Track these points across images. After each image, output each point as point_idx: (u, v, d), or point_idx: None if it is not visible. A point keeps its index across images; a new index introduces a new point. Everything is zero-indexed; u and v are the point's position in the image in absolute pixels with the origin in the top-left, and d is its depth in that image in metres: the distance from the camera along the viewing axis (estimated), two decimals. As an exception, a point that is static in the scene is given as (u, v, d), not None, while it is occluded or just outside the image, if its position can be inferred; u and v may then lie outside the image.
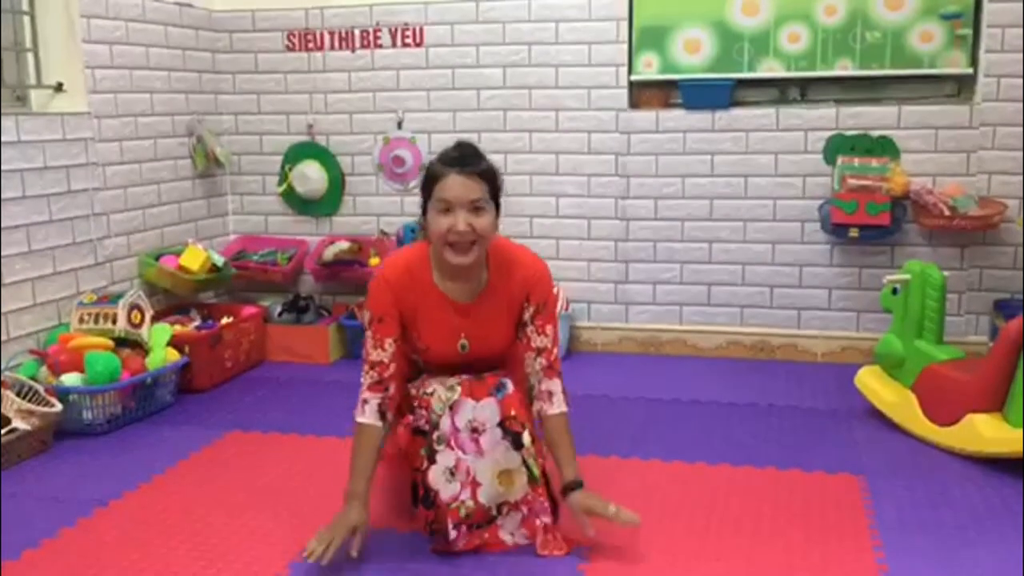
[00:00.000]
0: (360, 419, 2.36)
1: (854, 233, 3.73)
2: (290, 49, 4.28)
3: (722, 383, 3.71)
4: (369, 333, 2.38)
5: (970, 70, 3.70)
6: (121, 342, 3.38)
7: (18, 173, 3.29)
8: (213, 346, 3.72)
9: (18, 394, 3.02)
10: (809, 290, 3.96)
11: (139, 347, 3.44)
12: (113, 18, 3.69)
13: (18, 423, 2.93)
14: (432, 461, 2.31)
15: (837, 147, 3.80)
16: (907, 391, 3.12)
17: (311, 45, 4.25)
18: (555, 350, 2.45)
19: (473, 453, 2.31)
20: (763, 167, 3.92)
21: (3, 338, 3.25)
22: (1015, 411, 2.74)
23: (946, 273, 3.17)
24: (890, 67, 3.76)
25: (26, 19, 3.52)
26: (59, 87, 3.55)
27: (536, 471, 2.34)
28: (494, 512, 2.34)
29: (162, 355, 3.45)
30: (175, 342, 3.55)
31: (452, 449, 2.30)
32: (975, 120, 3.69)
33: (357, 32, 4.18)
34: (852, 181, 3.69)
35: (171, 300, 4.01)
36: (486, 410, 2.32)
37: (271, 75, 4.33)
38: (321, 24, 4.22)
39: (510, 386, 2.36)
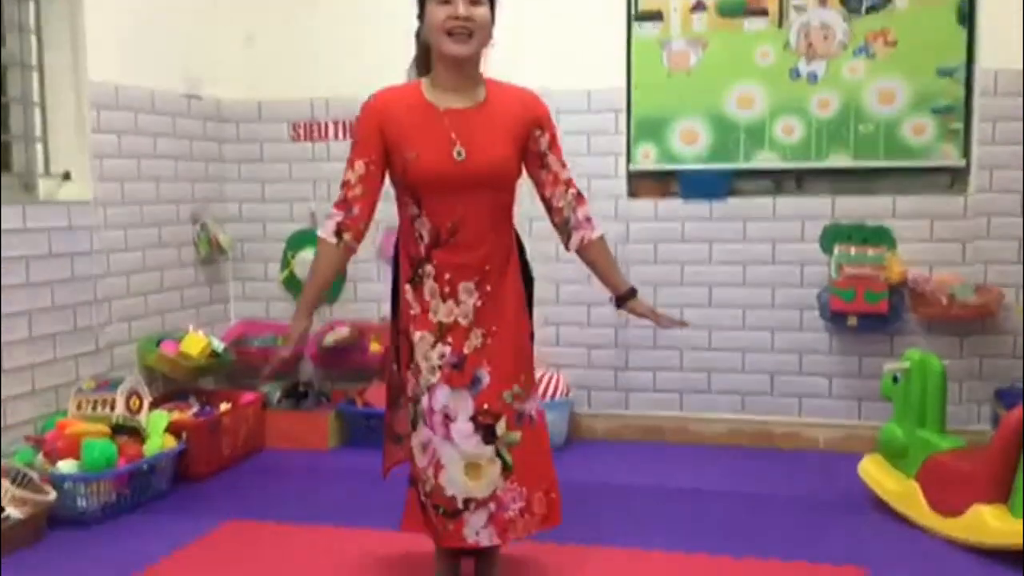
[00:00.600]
0: (320, 233, 2.41)
1: (853, 321, 3.75)
2: (295, 139, 4.37)
3: (724, 472, 3.67)
4: (348, 156, 2.40)
5: (963, 162, 3.77)
6: (119, 429, 3.36)
7: (23, 260, 3.32)
8: (211, 433, 3.70)
9: (13, 481, 2.99)
10: (810, 378, 3.95)
11: (136, 434, 3.42)
12: (123, 109, 3.77)
13: (12, 511, 2.89)
14: (414, 429, 2.40)
15: (833, 236, 3.84)
16: (911, 481, 3.09)
17: (315, 135, 4.34)
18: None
19: (442, 436, 2.35)
20: (761, 255, 3.96)
21: (1, 425, 3.23)
22: (1020, 502, 2.71)
23: (946, 362, 3.17)
24: (884, 159, 3.84)
25: (37, 110, 3.59)
26: (67, 176, 3.61)
27: (509, 459, 2.36)
28: (460, 506, 2.35)
29: (159, 442, 3.42)
30: (173, 429, 3.53)
31: (426, 427, 2.36)
32: (970, 210, 3.74)
33: (361, 123, 4.26)
34: (849, 270, 3.72)
35: (170, 386, 4.00)
36: (460, 401, 2.35)
37: (276, 164, 4.40)
38: (326, 115, 4.31)
39: (486, 380, 2.35)
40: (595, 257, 2.50)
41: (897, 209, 3.82)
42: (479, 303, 2.36)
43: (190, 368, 3.87)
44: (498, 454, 2.35)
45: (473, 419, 2.34)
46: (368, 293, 4.34)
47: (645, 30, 4.00)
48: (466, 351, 2.36)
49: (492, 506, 2.36)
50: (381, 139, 2.34)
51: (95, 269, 3.64)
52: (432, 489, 2.36)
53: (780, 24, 3.87)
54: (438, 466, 2.35)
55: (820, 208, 3.88)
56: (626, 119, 4.04)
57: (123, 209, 3.79)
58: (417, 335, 2.37)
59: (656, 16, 3.98)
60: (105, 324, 3.71)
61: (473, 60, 2.35)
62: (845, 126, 3.86)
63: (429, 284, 2.36)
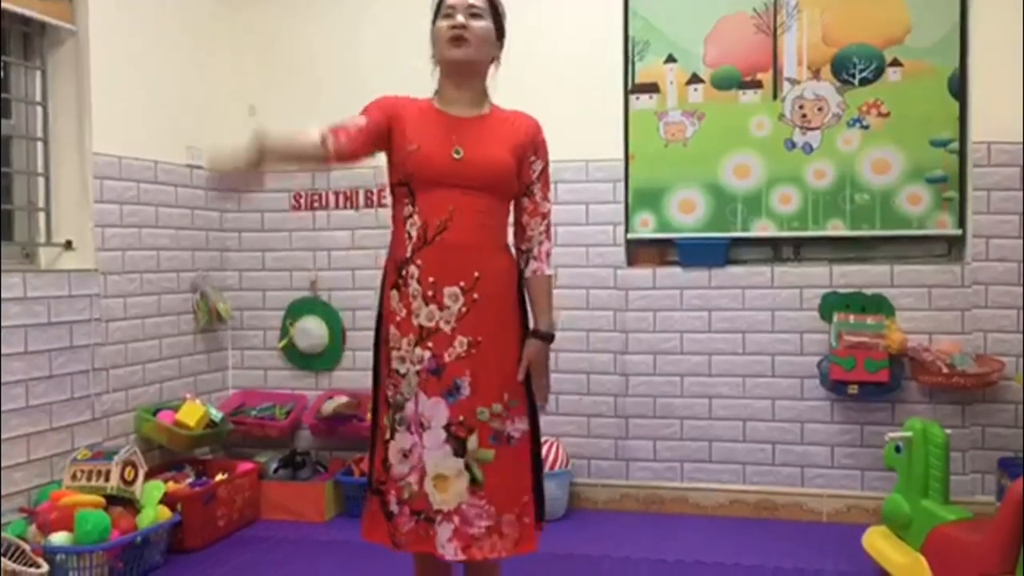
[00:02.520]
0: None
1: (853, 390, 3.73)
2: (295, 208, 4.40)
3: (726, 543, 3.62)
4: None
5: (959, 231, 3.80)
6: (113, 499, 3.32)
7: (22, 329, 3.32)
8: (206, 504, 3.65)
9: (4, 554, 2.94)
10: (811, 447, 3.92)
11: (131, 505, 3.37)
12: (125, 179, 3.81)
13: (2, 586, 2.84)
14: (393, 436, 2.39)
15: (832, 305, 3.85)
16: (916, 553, 3.04)
17: (316, 204, 4.38)
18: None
19: (418, 444, 2.35)
20: (760, 323, 3.96)
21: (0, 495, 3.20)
22: (1028, 576, 2.66)
23: (948, 431, 3.15)
24: (880, 228, 3.87)
25: (41, 180, 3.63)
26: (68, 245, 3.63)
27: (480, 475, 2.33)
28: (433, 515, 2.35)
29: (153, 513, 3.38)
30: (168, 500, 3.49)
31: (411, 433, 2.35)
32: (967, 279, 3.76)
33: (361, 192, 4.31)
34: (849, 338, 3.72)
35: (167, 456, 3.97)
36: (435, 408, 2.34)
37: (276, 233, 4.43)
38: (327, 185, 4.35)
39: (465, 392, 2.33)
40: (539, 290, 2.51)
41: (895, 277, 3.83)
42: (464, 309, 2.35)
43: (187, 438, 3.84)
44: (467, 468, 2.34)
45: (446, 428, 2.34)
46: (366, 362, 4.29)
47: (642, 102, 4.06)
48: (447, 358, 2.34)
49: (456, 520, 2.33)
50: (387, 121, 2.41)
51: (94, 338, 3.64)
52: (412, 495, 2.36)
53: (775, 96, 3.94)
54: (423, 472, 2.35)
55: (818, 276, 3.90)
56: (624, 189, 4.09)
57: (123, 278, 3.81)
58: (403, 340, 2.37)
59: (652, 88, 4.05)
60: (102, 393, 3.69)
61: (474, 70, 2.44)
62: (841, 195, 3.89)
63: (413, 286, 2.36)
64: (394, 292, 2.40)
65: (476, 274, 2.35)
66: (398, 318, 2.38)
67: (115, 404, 3.76)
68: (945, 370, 3.58)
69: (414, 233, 2.36)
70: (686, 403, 4.03)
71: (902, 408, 3.80)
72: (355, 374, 4.34)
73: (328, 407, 4.14)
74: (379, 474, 2.43)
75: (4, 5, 3.30)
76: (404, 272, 2.37)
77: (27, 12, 3.41)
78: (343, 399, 4.15)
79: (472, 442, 2.34)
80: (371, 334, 4.30)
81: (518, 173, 2.45)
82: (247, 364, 4.50)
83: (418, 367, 2.35)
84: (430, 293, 2.34)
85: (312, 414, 4.21)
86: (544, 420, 3.96)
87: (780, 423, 3.95)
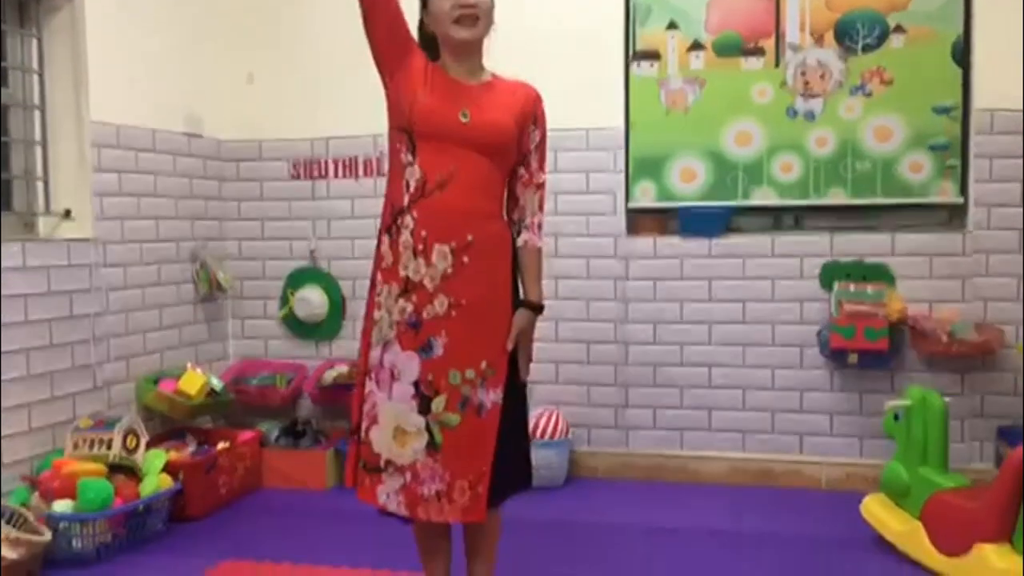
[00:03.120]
0: None
1: (853, 358, 3.73)
2: (295, 177, 4.39)
3: (726, 511, 3.64)
4: None
5: (960, 199, 3.78)
6: (115, 468, 3.34)
7: (22, 298, 3.32)
8: (208, 472, 3.67)
9: (8, 522, 2.96)
10: (811, 415, 3.93)
11: (133, 473, 3.39)
12: (124, 148, 3.80)
13: (7, 552, 2.86)
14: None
15: (833, 273, 3.84)
16: (914, 520, 3.06)
17: (316, 173, 4.36)
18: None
19: (385, 393, 2.36)
20: (760, 292, 3.95)
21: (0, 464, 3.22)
22: (1023, 541, 2.68)
23: (947, 399, 3.16)
24: (882, 196, 3.85)
25: (38, 149, 3.61)
26: (67, 214, 3.62)
27: (439, 439, 2.33)
28: (381, 465, 2.36)
29: (155, 482, 3.40)
30: (169, 468, 3.50)
31: (371, 380, 2.38)
32: (968, 247, 3.75)
33: (361, 160, 4.29)
34: (849, 307, 3.71)
35: (168, 425, 3.98)
36: (408, 362, 2.34)
37: (276, 202, 4.42)
38: (326, 153, 4.34)
39: (438, 351, 2.33)
40: (529, 261, 2.49)
41: (896, 246, 3.82)
42: (450, 270, 2.33)
43: (188, 407, 3.85)
44: (428, 428, 2.33)
45: (415, 384, 2.33)
46: (367, 331, 4.33)
47: (643, 70, 4.03)
48: (425, 316, 2.33)
49: (408, 475, 2.34)
50: (406, 41, 2.39)
51: (94, 307, 3.64)
52: (360, 441, 2.39)
53: (777, 63, 3.91)
54: (372, 420, 2.37)
55: (819, 245, 3.89)
56: (624, 157, 4.07)
57: (123, 247, 3.80)
58: (384, 288, 2.37)
59: (653, 56, 4.02)
60: (103, 362, 3.69)
61: (478, 45, 2.42)
62: (843, 164, 3.87)
63: (405, 236, 2.35)
64: (386, 237, 2.39)
65: (469, 237, 2.34)
66: (384, 264, 2.39)
67: (116, 373, 3.77)
68: (945, 339, 3.58)
69: (412, 184, 2.35)
70: (686, 372, 4.04)
71: (901, 376, 3.81)
72: (355, 343, 4.27)
73: (329, 376, 4.15)
74: (358, 420, 2.43)
75: (-2, -29, 3.27)
76: (399, 220, 2.36)
77: (22, -22, 3.38)
78: (344, 368, 4.15)
79: (438, 403, 2.33)
80: (371, 303, 4.32)
81: (518, 141, 2.44)
82: (247, 333, 4.50)
83: (397, 317, 2.35)
84: (420, 247, 2.33)
85: (313, 383, 4.22)
86: (544, 389, 4.01)
87: (780, 391, 3.96)
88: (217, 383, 4.01)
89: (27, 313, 3.35)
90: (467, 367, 2.34)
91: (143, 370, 3.92)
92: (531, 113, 2.46)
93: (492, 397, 2.36)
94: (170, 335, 4.10)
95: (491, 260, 2.39)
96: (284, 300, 4.40)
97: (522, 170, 2.48)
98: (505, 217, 2.49)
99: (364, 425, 2.38)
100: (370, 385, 2.38)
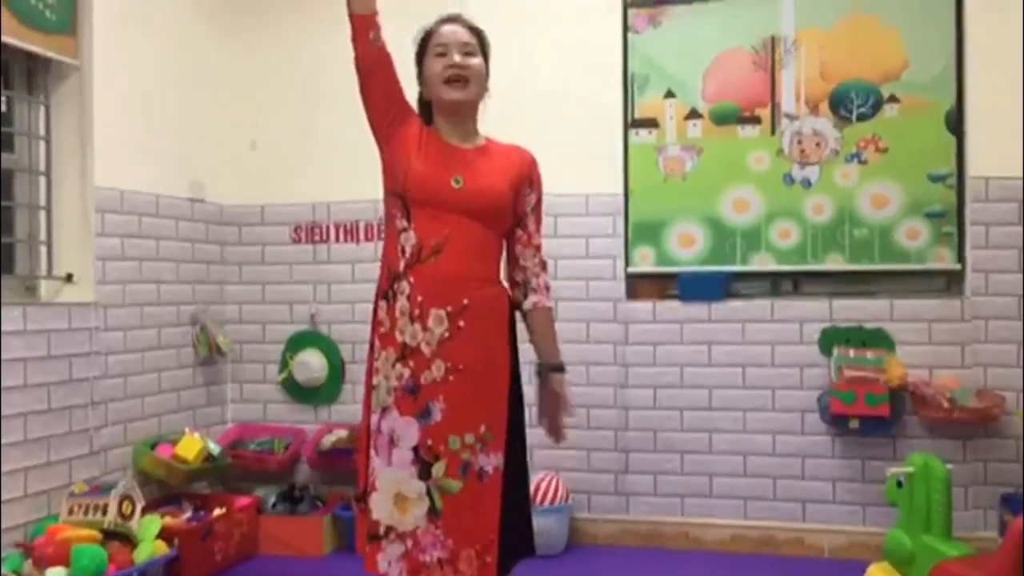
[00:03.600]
0: None
1: (854, 424, 3.72)
2: (296, 241, 4.42)
3: (727, 580, 3.60)
4: None
5: (958, 266, 3.81)
6: (110, 534, 3.30)
7: (21, 362, 3.32)
8: (204, 538, 3.63)
9: (-1, 590, 2.92)
10: (812, 482, 3.90)
11: (128, 539, 3.35)
12: (127, 212, 3.83)
13: (-4, 622, 2.82)
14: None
15: (832, 339, 3.85)
16: (919, 591, 3.02)
17: (317, 238, 4.39)
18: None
19: (384, 459, 2.34)
20: (760, 357, 3.95)
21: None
22: (1032, 613, 2.64)
23: (949, 466, 3.14)
24: (879, 262, 3.87)
25: (42, 213, 3.64)
26: (69, 278, 3.64)
27: (440, 504, 2.30)
28: (381, 532, 2.32)
29: (150, 548, 3.35)
30: (165, 534, 3.46)
31: (372, 446, 2.36)
32: (967, 313, 3.76)
33: (362, 225, 4.33)
34: (849, 372, 3.71)
35: (164, 490, 3.94)
36: (407, 428, 2.32)
37: (277, 266, 4.44)
38: (327, 218, 4.37)
39: (436, 417, 2.31)
40: (541, 323, 2.52)
41: (895, 312, 3.83)
42: (447, 335, 2.33)
43: (185, 472, 3.82)
44: (428, 494, 2.31)
45: (414, 449, 2.32)
46: (366, 395, 4.32)
47: (641, 137, 4.09)
48: (423, 381, 2.33)
49: (409, 542, 2.31)
50: (400, 104, 2.44)
51: (93, 371, 3.64)
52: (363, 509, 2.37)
53: (773, 132, 3.96)
54: (372, 487, 2.35)
55: (818, 311, 3.90)
56: (624, 222, 4.10)
57: (124, 311, 3.81)
58: (382, 353, 2.37)
59: (651, 123, 4.08)
60: (100, 427, 3.68)
61: (471, 109, 2.46)
62: (840, 230, 3.91)
63: (401, 302, 2.35)
64: (383, 303, 2.41)
65: (465, 301, 2.35)
66: (382, 330, 2.39)
67: (113, 438, 3.75)
68: (946, 405, 3.57)
69: (408, 249, 2.36)
70: (686, 437, 4.02)
71: (903, 443, 3.79)
72: (354, 408, 4.32)
73: (327, 441, 4.13)
74: (364, 485, 2.42)
75: (10, 41, 3.32)
76: (395, 286, 2.37)
77: (32, 47, 3.44)
78: (342, 432, 4.13)
79: (438, 469, 2.31)
80: (371, 367, 4.32)
81: (513, 205, 2.46)
82: (246, 397, 4.49)
83: (395, 383, 2.35)
84: (416, 312, 2.34)
85: (311, 448, 4.20)
86: (544, 454, 3.98)
87: (781, 457, 3.93)
88: (215, 448, 3.99)
89: (26, 377, 3.34)
90: (466, 432, 2.33)
91: (140, 435, 3.89)
92: (527, 176, 2.50)
93: (493, 462, 2.35)
94: (168, 399, 4.08)
95: (487, 323, 2.40)
96: (283, 364, 4.40)
97: (519, 231, 2.51)
98: (502, 281, 2.50)
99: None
100: (371, 452, 2.37)
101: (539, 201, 2.54)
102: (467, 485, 2.32)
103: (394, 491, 2.33)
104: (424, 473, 2.32)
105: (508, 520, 2.36)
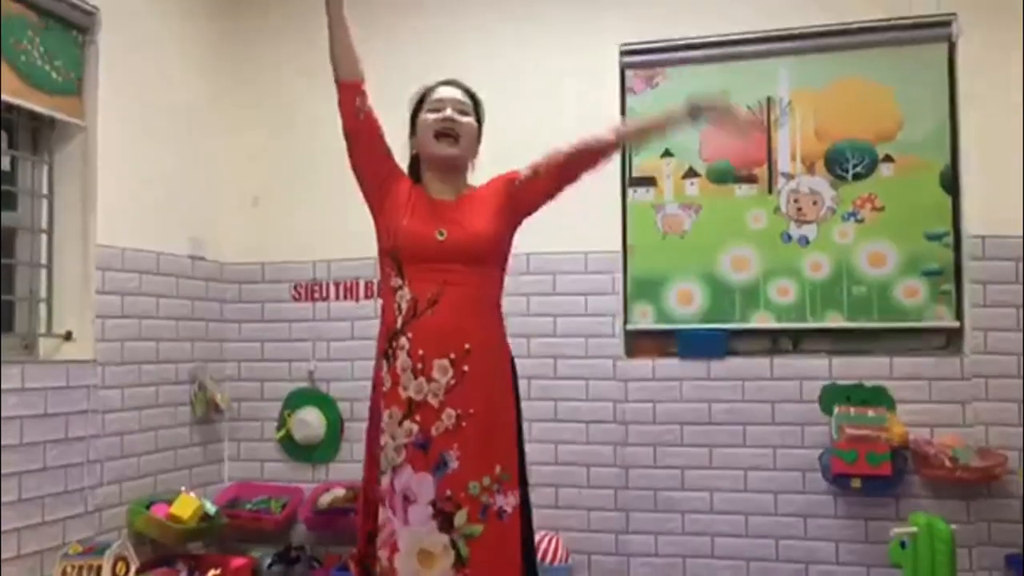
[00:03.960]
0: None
1: (856, 483, 3.69)
2: (296, 299, 4.43)
3: (730, 644, 3.53)
4: None
5: (957, 324, 3.81)
6: (103, 597, 3.25)
7: (18, 420, 3.30)
8: (198, 601, 3.58)
9: (-11, 655, 2.87)
10: (815, 542, 3.85)
11: (121, 602, 3.30)
12: (128, 270, 3.84)
13: None
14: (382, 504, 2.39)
15: (832, 397, 3.83)
16: (925, 655, 2.97)
17: (316, 295, 4.40)
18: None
19: (401, 519, 2.30)
20: (761, 415, 3.93)
21: (-16, 592, 3.14)
22: None
23: (953, 526, 3.12)
24: (878, 320, 3.88)
25: (43, 271, 3.65)
26: (68, 336, 3.63)
27: (465, 552, 2.28)
28: None
29: (144, 611, 3.30)
30: (159, 597, 3.42)
31: (385, 507, 2.32)
32: (967, 372, 3.75)
33: (362, 283, 4.34)
34: (850, 431, 3.69)
35: (160, 550, 3.89)
36: (422, 484, 2.30)
37: (276, 324, 4.44)
38: (327, 276, 4.39)
39: (453, 466, 2.30)
40: (630, 131, 2.63)
41: (894, 369, 3.83)
42: (453, 382, 2.34)
43: (180, 531, 3.78)
44: (453, 544, 2.29)
45: (432, 504, 2.30)
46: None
47: (639, 195, 4.13)
48: (434, 432, 2.32)
49: None
50: (389, 166, 2.49)
51: (90, 430, 3.61)
52: (383, 571, 2.32)
53: (770, 190, 4.00)
54: (393, 548, 2.31)
55: (818, 368, 3.89)
56: (623, 280, 4.11)
57: (122, 369, 3.80)
58: (387, 413, 2.35)
59: (649, 182, 4.12)
60: (96, 486, 3.64)
61: (460, 166, 2.51)
62: (838, 288, 3.92)
63: (402, 358, 2.36)
64: (383, 362, 2.42)
65: (467, 346, 2.36)
66: (384, 389, 2.40)
67: (108, 497, 3.71)
68: (948, 464, 3.55)
69: (404, 306, 2.39)
70: (687, 496, 3.98)
71: (906, 502, 3.75)
72: (353, 466, 4.29)
73: (324, 500, 4.09)
74: (363, 547, 2.40)
75: (16, 102, 3.37)
76: (394, 343, 2.38)
77: (38, 108, 3.48)
78: (340, 492, 4.09)
79: (460, 517, 2.31)
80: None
81: (506, 231, 2.50)
82: (243, 456, 4.45)
83: (404, 440, 2.34)
84: (419, 366, 2.35)
85: (308, 507, 4.15)
86: (544, 513, 3.94)
87: (783, 517, 3.89)
88: (211, 507, 3.95)
89: (22, 436, 3.32)
90: (484, 475, 2.34)
91: (136, 494, 3.86)
92: (505, 183, 2.53)
93: (511, 501, 2.37)
94: (165, 458, 4.05)
95: (492, 365, 2.42)
96: (282, 422, 4.37)
97: (536, 179, 2.51)
98: (503, 319, 2.52)
99: (385, 555, 2.33)
100: (386, 513, 2.35)
101: (524, 176, 2.54)
102: (488, 527, 2.32)
103: (417, 548, 2.31)
104: (446, 525, 2.31)
105: (527, 560, 2.39)
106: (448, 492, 2.31)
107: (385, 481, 2.35)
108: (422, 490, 2.32)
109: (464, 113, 2.50)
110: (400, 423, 2.35)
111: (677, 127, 2.61)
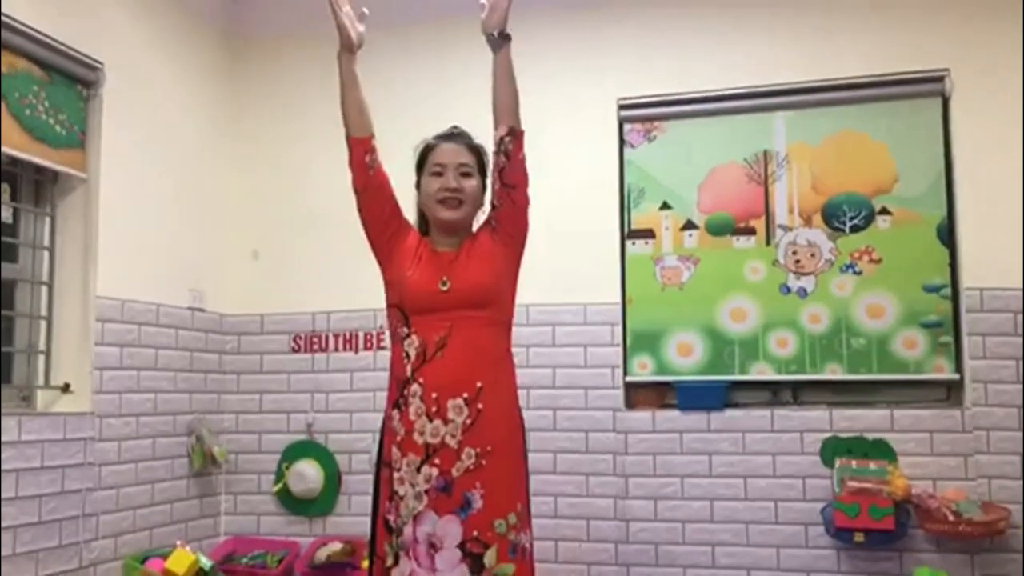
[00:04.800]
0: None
1: (859, 538, 3.65)
2: (295, 350, 4.42)
3: None
4: None
5: (957, 376, 3.80)
6: (96, 654, 3.20)
7: (14, 473, 3.27)
8: (192, 658, 3.52)
9: None
10: (818, 598, 3.81)
11: (114, 660, 3.25)
12: (127, 322, 3.84)
13: None
14: (396, 562, 2.34)
15: (834, 449, 3.81)
16: None
17: (316, 347, 4.39)
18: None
19: (427, 568, 2.26)
20: (761, 468, 3.91)
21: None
22: None
23: (958, 582, 3.07)
24: (878, 372, 3.87)
25: (42, 323, 3.65)
26: (66, 388, 3.62)
27: None
28: None
29: (137, 669, 3.25)
30: (153, 654, 3.36)
31: (409, 559, 2.28)
32: (968, 424, 3.74)
33: (361, 334, 4.34)
34: (853, 484, 3.66)
35: (153, 606, 3.84)
36: (448, 527, 2.27)
37: (275, 375, 4.43)
38: (327, 327, 4.39)
39: (478, 505, 2.28)
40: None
41: (895, 422, 3.81)
42: (470, 421, 2.33)
43: (175, 587, 3.73)
44: None
45: (461, 546, 2.27)
46: (362, 507, 4.24)
47: (638, 247, 4.14)
48: (455, 473, 2.31)
49: None
50: (398, 219, 2.54)
51: (86, 483, 3.58)
52: None
53: (768, 242, 4.02)
54: None
55: (818, 420, 3.88)
56: (622, 331, 4.11)
57: (119, 421, 3.77)
58: (403, 461, 2.34)
59: (648, 234, 4.14)
60: (91, 540, 3.60)
61: (465, 224, 2.54)
62: (838, 339, 3.92)
63: (415, 404, 2.35)
64: (395, 411, 2.42)
65: (479, 384, 2.37)
66: (398, 438, 2.38)
67: (103, 551, 3.67)
68: (951, 518, 3.52)
69: (413, 353, 2.40)
70: (689, 551, 3.94)
71: (910, 557, 3.71)
72: (350, 519, 4.25)
73: (322, 554, 4.04)
74: None
75: (20, 155, 3.40)
76: (406, 391, 2.39)
77: (42, 162, 3.51)
78: (337, 546, 4.05)
79: (490, 557, 2.28)
80: (368, 478, 4.26)
81: (505, 272, 2.52)
82: (240, 509, 4.41)
83: (424, 487, 2.32)
84: (434, 409, 2.35)
85: (305, 562, 4.10)
86: (543, 568, 3.89)
87: (785, 572, 3.84)
88: (206, 562, 3.89)
89: (18, 489, 3.29)
90: (507, 512, 2.33)
91: (131, 548, 3.81)
92: (487, 225, 2.56)
93: (530, 537, 2.39)
94: (161, 511, 4.01)
95: (504, 401, 2.43)
96: (279, 475, 4.34)
97: (507, 192, 2.50)
98: (510, 357, 2.52)
99: None
100: (409, 565, 2.31)
101: (492, 206, 2.56)
102: (519, 566, 2.31)
103: None
104: (476, 567, 2.29)
105: None
106: (475, 532, 2.29)
107: (408, 531, 2.33)
108: (449, 534, 2.29)
109: (467, 175, 2.53)
110: (418, 469, 2.34)
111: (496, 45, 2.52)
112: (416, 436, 2.35)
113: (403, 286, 2.46)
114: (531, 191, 2.62)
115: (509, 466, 2.38)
